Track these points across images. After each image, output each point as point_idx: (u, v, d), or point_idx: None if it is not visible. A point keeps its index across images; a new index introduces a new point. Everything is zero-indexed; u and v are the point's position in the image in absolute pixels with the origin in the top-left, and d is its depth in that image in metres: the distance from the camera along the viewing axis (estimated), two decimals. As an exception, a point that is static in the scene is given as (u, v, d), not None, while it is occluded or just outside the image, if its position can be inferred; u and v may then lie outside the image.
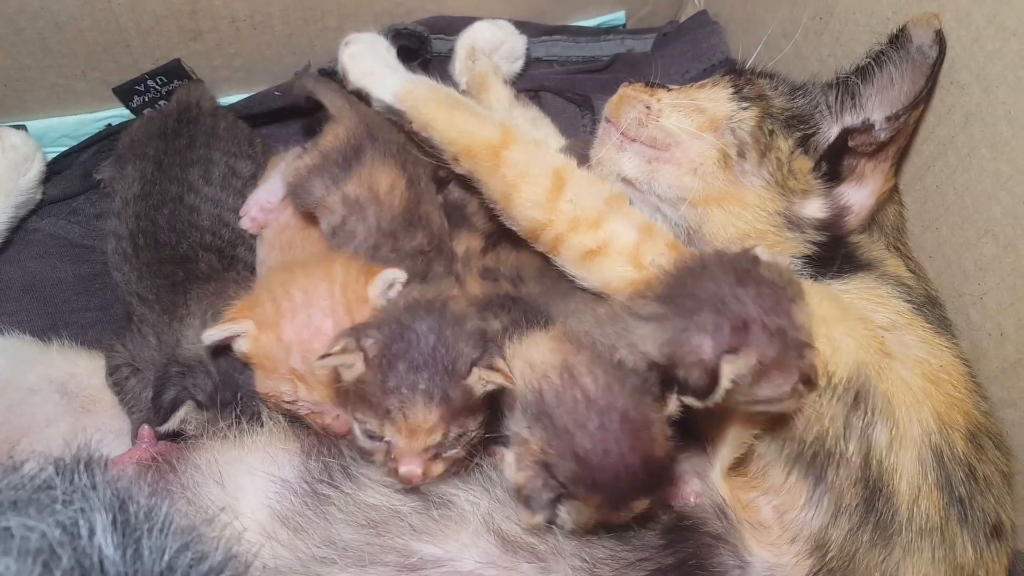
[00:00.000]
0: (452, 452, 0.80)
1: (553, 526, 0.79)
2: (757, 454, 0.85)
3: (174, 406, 0.92)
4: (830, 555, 0.80)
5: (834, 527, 0.81)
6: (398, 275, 0.93)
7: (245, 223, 1.12)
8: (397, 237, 1.02)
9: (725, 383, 0.71)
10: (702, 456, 0.88)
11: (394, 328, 0.79)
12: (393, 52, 1.18)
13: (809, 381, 0.77)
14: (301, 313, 0.88)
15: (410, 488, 0.82)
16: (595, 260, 0.94)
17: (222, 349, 0.94)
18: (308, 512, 0.83)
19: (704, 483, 0.85)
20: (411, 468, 0.77)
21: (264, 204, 1.13)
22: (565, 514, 0.76)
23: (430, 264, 1.03)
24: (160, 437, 0.97)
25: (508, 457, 0.79)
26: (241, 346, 0.90)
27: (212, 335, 0.89)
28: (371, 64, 1.11)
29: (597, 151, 1.04)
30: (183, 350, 0.97)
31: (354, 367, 0.77)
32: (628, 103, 1.02)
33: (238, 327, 0.89)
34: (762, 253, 0.81)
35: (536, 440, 0.75)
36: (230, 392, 0.93)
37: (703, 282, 0.77)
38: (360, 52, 1.13)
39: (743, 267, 0.78)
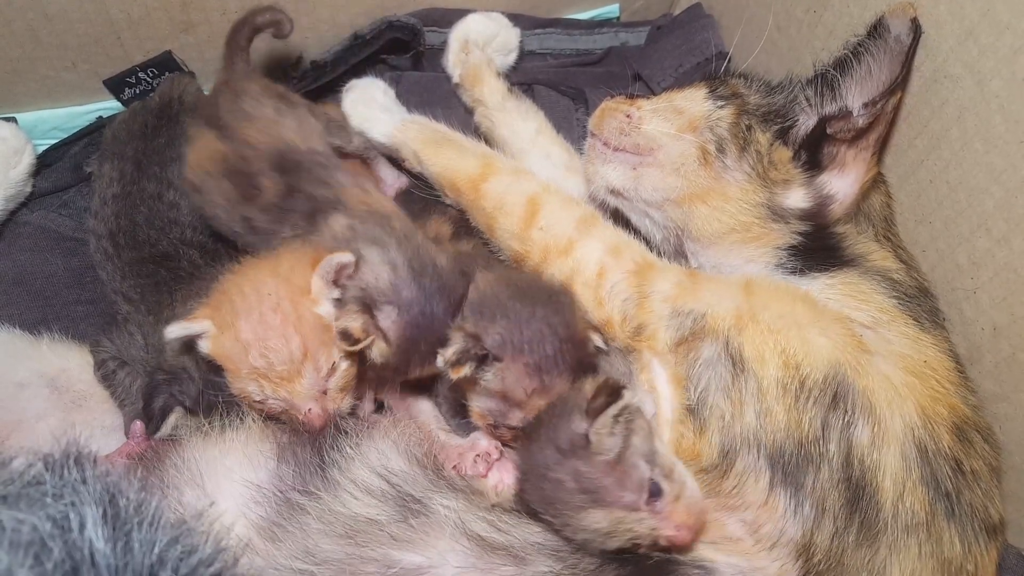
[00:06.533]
0: None
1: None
2: (735, 471, 0.84)
3: (164, 413, 0.94)
4: (816, 559, 0.80)
5: (818, 531, 0.81)
6: (343, 259, 0.90)
7: None
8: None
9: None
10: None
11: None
12: (391, 93, 1.22)
13: None
14: (255, 311, 0.87)
15: (386, 495, 0.83)
16: None
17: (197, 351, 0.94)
18: (283, 522, 0.82)
19: None
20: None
21: None
22: (491, 374, 0.86)
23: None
24: (152, 442, 0.97)
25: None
26: (204, 347, 0.89)
27: (172, 331, 0.89)
28: (367, 110, 1.18)
29: (585, 166, 1.07)
30: (168, 356, 0.97)
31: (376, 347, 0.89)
32: (610, 115, 1.05)
33: (196, 327, 0.88)
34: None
35: (470, 321, 0.87)
36: (212, 394, 0.93)
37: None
38: (357, 99, 1.19)
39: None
